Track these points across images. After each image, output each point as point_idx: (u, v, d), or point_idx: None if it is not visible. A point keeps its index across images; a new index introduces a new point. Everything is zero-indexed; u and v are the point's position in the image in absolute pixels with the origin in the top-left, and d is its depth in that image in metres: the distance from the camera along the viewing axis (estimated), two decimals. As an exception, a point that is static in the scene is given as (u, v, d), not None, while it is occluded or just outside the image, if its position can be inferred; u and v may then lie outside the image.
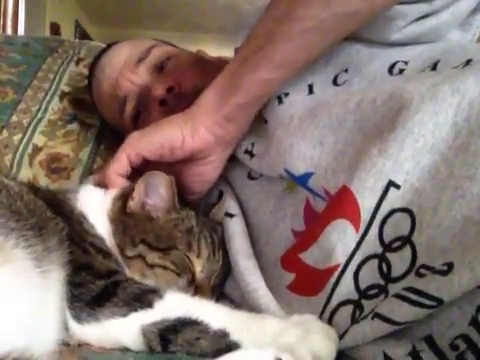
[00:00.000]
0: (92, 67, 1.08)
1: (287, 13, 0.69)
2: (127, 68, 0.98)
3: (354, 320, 0.57)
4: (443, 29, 0.76)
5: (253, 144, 0.80)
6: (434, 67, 0.67)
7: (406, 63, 0.70)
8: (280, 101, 0.77)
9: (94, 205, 0.73)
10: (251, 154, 0.80)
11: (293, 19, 0.69)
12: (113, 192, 0.77)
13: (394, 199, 0.57)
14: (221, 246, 0.75)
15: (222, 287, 0.76)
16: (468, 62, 0.64)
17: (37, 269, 0.55)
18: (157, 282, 0.67)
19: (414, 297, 0.50)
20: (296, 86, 0.77)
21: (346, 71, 0.75)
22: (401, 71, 0.70)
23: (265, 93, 0.75)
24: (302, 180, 0.69)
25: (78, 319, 0.57)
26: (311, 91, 0.76)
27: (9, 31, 2.01)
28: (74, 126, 1.15)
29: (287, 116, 0.74)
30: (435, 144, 0.56)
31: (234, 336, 0.55)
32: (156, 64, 0.96)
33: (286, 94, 0.77)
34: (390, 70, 0.71)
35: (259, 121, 0.81)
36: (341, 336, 0.56)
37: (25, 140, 1.11)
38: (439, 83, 0.59)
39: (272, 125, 0.76)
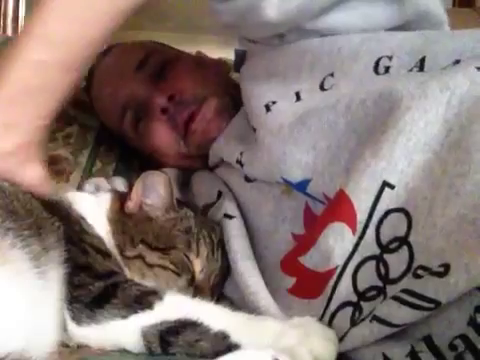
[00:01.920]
0: (90, 73, 1.07)
1: None
2: (126, 76, 0.97)
3: (353, 322, 0.56)
4: None
5: (242, 153, 0.80)
6: (421, 66, 0.66)
7: (390, 58, 0.69)
8: (268, 109, 0.76)
9: (91, 206, 0.73)
10: (241, 163, 0.79)
11: None
12: (107, 194, 0.77)
13: (389, 199, 0.57)
14: (220, 246, 0.75)
15: (222, 287, 0.76)
16: (457, 62, 0.63)
17: (35, 269, 0.54)
18: (157, 282, 0.67)
19: (412, 299, 0.49)
20: (283, 94, 0.76)
21: (332, 75, 0.73)
22: (387, 69, 0.69)
23: (41, 80, 0.65)
24: (300, 187, 0.69)
25: (77, 321, 0.57)
26: (299, 98, 0.75)
27: (9, 32, 2.01)
28: (73, 128, 1.15)
29: (276, 125, 0.73)
30: (427, 142, 0.56)
31: (234, 338, 0.55)
32: (155, 71, 0.96)
33: (273, 102, 0.76)
34: (376, 69, 0.70)
35: (247, 129, 0.80)
36: (341, 338, 0.56)
37: (25, 142, 1.10)
38: (428, 80, 0.59)
39: (261, 134, 0.75)
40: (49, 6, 0.63)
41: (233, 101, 0.93)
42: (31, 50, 0.64)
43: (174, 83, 0.93)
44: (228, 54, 1.08)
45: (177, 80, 0.94)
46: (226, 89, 0.96)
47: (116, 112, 0.99)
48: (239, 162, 0.80)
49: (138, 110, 0.96)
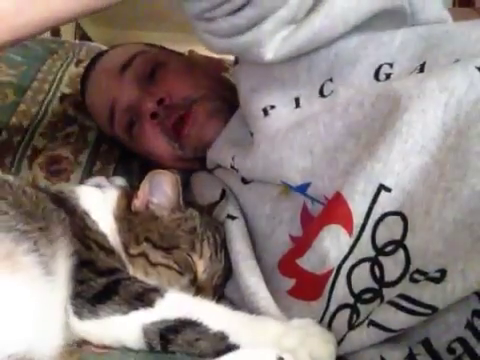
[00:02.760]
0: (83, 78, 1.07)
1: None
2: (112, 79, 0.97)
3: (351, 325, 0.56)
4: (328, 35, 0.69)
5: (233, 158, 0.79)
6: (422, 69, 0.65)
7: (391, 65, 0.67)
8: (266, 113, 0.75)
9: (97, 203, 0.73)
10: (235, 168, 0.79)
11: None
12: (114, 191, 0.77)
13: (385, 202, 0.56)
14: (223, 246, 0.75)
15: (224, 287, 0.76)
16: (457, 61, 0.61)
17: (46, 277, 0.55)
18: (160, 281, 0.67)
19: (408, 305, 0.49)
20: (282, 99, 0.74)
21: (331, 80, 0.71)
22: (388, 76, 0.67)
23: None
24: (301, 189, 0.68)
25: (79, 315, 0.57)
26: (298, 105, 0.73)
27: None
28: (74, 128, 1.15)
29: (272, 130, 0.72)
30: (425, 145, 0.55)
31: (233, 338, 0.55)
32: (144, 73, 0.95)
33: (272, 107, 0.75)
34: (376, 76, 0.68)
35: (242, 133, 0.80)
36: (340, 342, 0.56)
37: (25, 142, 1.11)
38: (426, 79, 0.58)
39: (257, 138, 0.75)
40: None
41: (228, 103, 0.92)
42: None
43: (163, 86, 0.92)
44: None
45: (166, 83, 0.93)
46: (219, 91, 0.95)
47: (105, 115, 0.99)
48: (233, 167, 0.80)
49: (129, 114, 0.95)
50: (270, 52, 0.69)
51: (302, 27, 0.68)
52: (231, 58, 1.03)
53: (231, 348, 0.54)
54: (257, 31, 0.67)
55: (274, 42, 0.68)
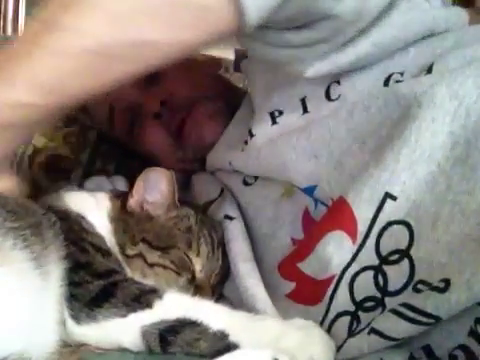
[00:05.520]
0: None
1: (58, 18, 0.55)
2: None
3: (351, 332, 0.56)
4: (371, 60, 0.67)
5: (230, 163, 0.79)
6: (429, 70, 0.63)
7: (402, 74, 0.66)
8: (273, 120, 0.74)
9: (90, 205, 0.73)
10: (236, 171, 0.79)
11: (67, 29, 0.54)
12: (104, 192, 0.77)
13: (391, 211, 0.56)
14: (221, 245, 0.75)
15: (222, 286, 0.76)
16: (467, 65, 0.60)
17: (36, 270, 0.54)
18: (157, 281, 0.67)
19: (411, 314, 0.49)
20: (290, 101, 0.72)
21: (338, 83, 0.69)
22: (397, 82, 0.65)
23: (22, 120, 0.58)
24: (308, 191, 0.68)
25: (76, 319, 0.57)
26: (306, 109, 0.71)
27: (9, 32, 2.01)
28: (74, 127, 1.15)
29: (275, 135, 0.72)
30: (432, 153, 0.54)
31: (234, 337, 0.55)
32: (146, 74, 0.94)
33: (280, 112, 0.74)
34: (386, 83, 0.66)
35: (240, 136, 0.79)
36: (339, 348, 0.56)
37: (25, 142, 1.11)
38: (437, 83, 0.57)
39: (257, 141, 0.74)
40: (47, 45, 0.54)
41: (228, 104, 0.91)
42: (21, 91, 0.56)
43: (166, 87, 0.92)
44: (226, 53, 1.07)
45: (168, 82, 0.93)
46: (220, 90, 0.95)
47: (104, 115, 0.99)
48: (236, 171, 0.79)
49: (130, 114, 0.95)
50: (311, 70, 0.66)
51: (348, 50, 0.66)
52: (231, 58, 1.03)
53: (231, 347, 0.54)
54: (311, 50, 0.65)
55: (318, 61, 0.66)
